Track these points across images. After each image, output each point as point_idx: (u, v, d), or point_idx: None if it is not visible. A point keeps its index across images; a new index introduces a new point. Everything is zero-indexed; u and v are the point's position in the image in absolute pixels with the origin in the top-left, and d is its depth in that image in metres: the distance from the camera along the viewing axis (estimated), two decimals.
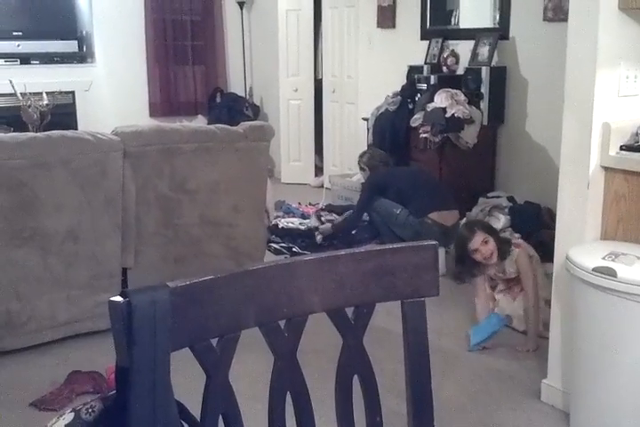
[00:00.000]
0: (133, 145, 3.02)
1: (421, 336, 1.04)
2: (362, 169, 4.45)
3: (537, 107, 4.43)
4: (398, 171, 4.37)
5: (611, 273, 2.04)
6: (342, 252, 1.04)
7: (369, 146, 4.92)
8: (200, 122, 6.46)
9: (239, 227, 3.39)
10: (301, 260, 1.02)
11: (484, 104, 4.52)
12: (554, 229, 2.48)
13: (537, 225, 3.98)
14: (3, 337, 2.85)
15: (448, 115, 4.37)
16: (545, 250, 3.24)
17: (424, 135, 4.46)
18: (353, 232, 4.43)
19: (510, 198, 4.27)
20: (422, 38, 5.22)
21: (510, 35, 4.54)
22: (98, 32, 6.32)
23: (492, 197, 4.32)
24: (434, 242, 1.09)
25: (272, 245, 4.33)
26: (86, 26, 6.31)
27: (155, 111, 6.66)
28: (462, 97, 4.44)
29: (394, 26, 5.49)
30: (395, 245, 1.07)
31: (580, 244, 2.32)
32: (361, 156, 4.49)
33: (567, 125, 2.37)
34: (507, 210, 4.13)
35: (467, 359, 2.91)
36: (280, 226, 4.68)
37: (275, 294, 0.96)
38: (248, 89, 6.99)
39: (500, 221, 4.06)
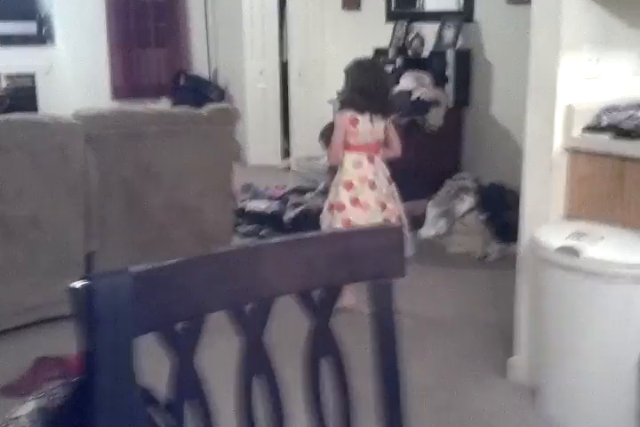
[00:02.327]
0: (95, 128, 2.97)
1: (389, 317, 1.04)
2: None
3: (501, 89, 4.46)
4: None
5: (574, 252, 2.07)
6: (308, 235, 1.04)
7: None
8: (164, 105, 6.37)
9: (205, 211, 3.36)
10: (268, 243, 1.01)
11: (449, 87, 4.54)
12: (518, 211, 2.51)
13: (502, 206, 4.02)
14: None
15: (413, 97, 4.38)
16: (510, 231, 3.28)
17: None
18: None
19: (476, 180, 4.31)
20: (388, 20, 5.21)
21: (475, 17, 4.56)
22: (58, 13, 6.16)
23: (459, 180, 4.36)
24: (399, 224, 1.09)
25: (239, 229, 4.30)
26: (46, 6, 6.15)
27: (117, 94, 6.54)
28: (427, 80, 4.45)
29: (359, 8, 5.47)
30: (361, 228, 1.07)
31: (545, 224, 2.35)
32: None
33: (531, 108, 2.39)
34: (472, 192, 4.17)
35: (432, 340, 2.94)
36: (247, 210, 4.66)
37: (241, 277, 0.95)
38: (213, 71, 6.91)
39: (466, 203, 4.09)
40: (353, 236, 1.07)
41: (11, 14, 5.99)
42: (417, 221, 3.89)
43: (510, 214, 3.73)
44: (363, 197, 3.18)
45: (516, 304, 2.56)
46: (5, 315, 2.87)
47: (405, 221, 3.27)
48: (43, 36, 6.19)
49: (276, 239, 1.02)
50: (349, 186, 3.19)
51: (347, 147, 3.19)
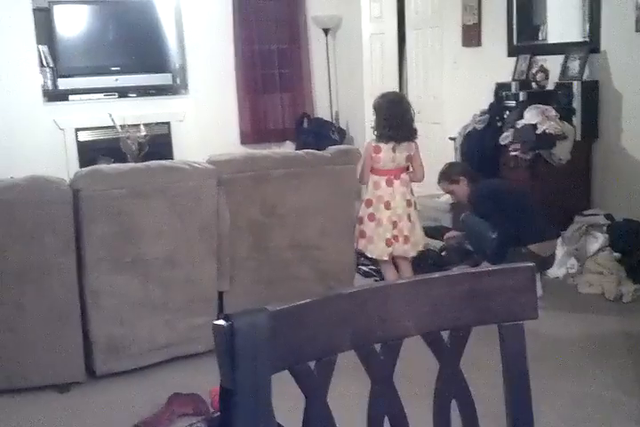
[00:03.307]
0: (227, 172, 3.12)
1: (521, 361, 1.02)
2: (453, 182, 4.06)
3: (633, 120, 4.27)
4: (505, 189, 4.02)
5: None
6: (436, 275, 1.05)
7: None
8: (288, 148, 6.59)
9: (327, 250, 3.42)
10: (395, 283, 1.03)
11: (576, 119, 4.40)
12: None
13: (638, 243, 3.81)
14: (107, 361, 2.96)
15: (539, 131, 4.27)
16: None
17: (514, 153, 4.38)
18: (443, 253, 4.36)
19: (608, 216, 4.11)
20: (509, 55, 5.15)
21: (601, 48, 4.42)
22: (190, 64, 6.57)
23: (589, 215, 4.18)
24: (530, 264, 1.07)
25: (361, 267, 4.32)
26: (179, 59, 6.58)
27: (245, 139, 6.83)
28: (553, 113, 4.34)
29: (479, 44, 5.45)
30: (489, 268, 1.07)
31: None
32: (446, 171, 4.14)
33: None
34: (604, 228, 3.98)
35: (565, 385, 2.80)
36: None
37: (369, 317, 0.97)
38: (334, 113, 7.08)
39: (598, 240, 3.91)
40: (481, 276, 1.06)
41: (148, 67, 6.45)
42: (545, 261, 3.74)
43: None
44: (378, 214, 3.63)
45: None
46: (141, 352, 3.01)
47: (420, 243, 3.74)
48: (177, 87, 6.61)
49: (403, 279, 1.03)
50: (369, 203, 3.67)
51: (372, 170, 3.66)
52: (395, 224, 3.63)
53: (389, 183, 3.63)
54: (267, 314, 0.85)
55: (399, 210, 3.63)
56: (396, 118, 3.61)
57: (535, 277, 1.07)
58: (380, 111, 3.69)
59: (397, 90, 6.56)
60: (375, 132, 3.71)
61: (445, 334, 1.02)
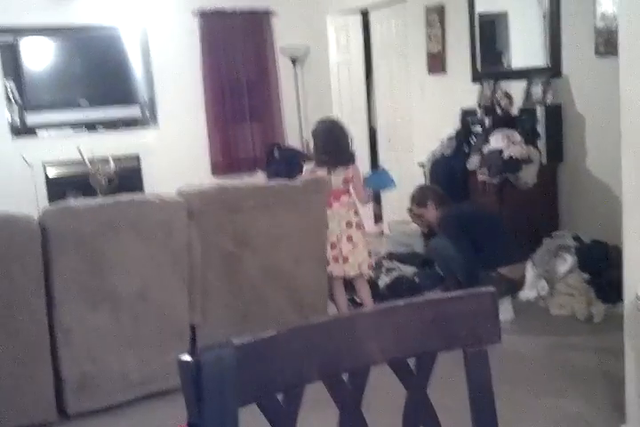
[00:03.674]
0: (197, 204, 3.12)
1: (486, 385, 1.03)
2: (422, 205, 4.09)
3: (596, 143, 4.37)
4: (473, 212, 4.08)
5: None
6: (401, 302, 1.06)
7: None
8: (260, 177, 6.60)
9: (301, 279, 3.42)
10: (361, 312, 1.04)
11: (541, 143, 4.49)
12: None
13: (606, 264, 3.87)
14: (79, 399, 2.90)
15: (505, 156, 4.35)
16: (615, 290, 3.15)
17: (482, 178, 4.44)
18: (417, 280, 4.38)
19: (576, 238, 4.17)
20: (474, 81, 5.26)
21: (563, 72, 4.54)
22: (159, 96, 6.58)
23: (557, 238, 4.24)
24: (491, 289, 1.09)
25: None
26: (148, 91, 6.59)
27: (216, 169, 6.83)
28: (518, 137, 4.43)
29: (444, 71, 5.56)
30: (452, 294, 1.08)
31: None
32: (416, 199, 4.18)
33: (626, 162, 2.34)
34: (573, 250, 4.03)
35: (540, 405, 2.81)
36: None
37: (337, 346, 0.98)
38: (304, 142, 7.13)
39: (567, 262, 3.96)
40: (443, 302, 1.08)
41: (116, 100, 6.41)
42: (516, 284, 3.78)
43: (615, 272, 3.58)
44: None
45: (626, 366, 2.42)
46: (114, 390, 2.96)
47: (361, 264, 3.78)
48: (146, 119, 6.59)
49: (368, 308, 1.04)
50: None
51: None
52: (333, 245, 3.71)
53: (328, 205, 3.71)
54: (232, 347, 0.85)
55: (337, 231, 3.72)
56: (331, 144, 3.79)
57: (497, 301, 1.08)
58: (316, 138, 3.88)
59: (366, 117, 6.65)
60: (313, 157, 3.88)
61: (412, 361, 1.03)
